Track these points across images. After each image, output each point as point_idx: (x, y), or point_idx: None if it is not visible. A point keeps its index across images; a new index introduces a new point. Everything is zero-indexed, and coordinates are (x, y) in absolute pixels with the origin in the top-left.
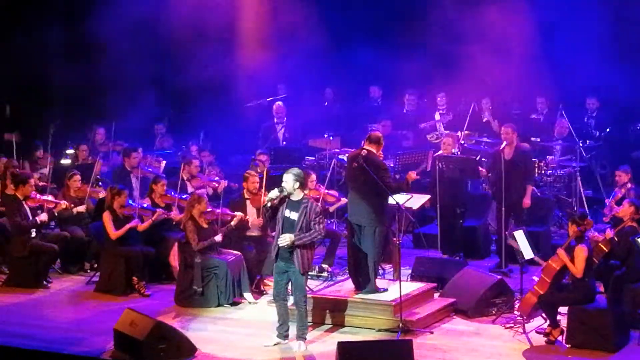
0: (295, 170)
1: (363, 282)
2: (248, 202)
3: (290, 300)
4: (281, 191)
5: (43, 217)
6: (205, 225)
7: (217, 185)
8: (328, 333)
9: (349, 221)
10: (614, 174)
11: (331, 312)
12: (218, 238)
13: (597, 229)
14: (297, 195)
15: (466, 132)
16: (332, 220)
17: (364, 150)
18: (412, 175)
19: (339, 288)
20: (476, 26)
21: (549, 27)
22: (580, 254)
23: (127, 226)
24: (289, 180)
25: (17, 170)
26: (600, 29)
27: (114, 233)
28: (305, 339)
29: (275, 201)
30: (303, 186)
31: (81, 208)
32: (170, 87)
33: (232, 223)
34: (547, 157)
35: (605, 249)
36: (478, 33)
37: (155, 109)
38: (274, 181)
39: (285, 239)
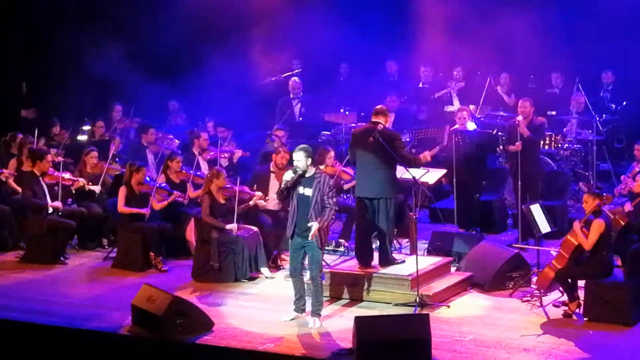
0: (305, 146)
1: (369, 258)
2: (273, 175)
3: (306, 275)
4: (295, 172)
5: (57, 204)
6: (222, 201)
7: (229, 155)
8: (345, 308)
9: (359, 197)
10: (630, 148)
11: (348, 286)
12: (230, 226)
13: (615, 203)
14: (309, 171)
15: (477, 105)
16: (348, 196)
17: (380, 125)
18: (427, 156)
19: (356, 262)
20: (492, 1)
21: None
22: (596, 227)
23: (136, 210)
24: (301, 159)
25: (34, 146)
26: (616, 2)
27: (121, 207)
28: (320, 315)
29: (290, 182)
30: (314, 161)
31: (95, 188)
32: (186, 62)
33: (251, 203)
34: (564, 130)
35: (622, 222)
36: (493, 8)
37: (170, 85)
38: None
39: (313, 229)
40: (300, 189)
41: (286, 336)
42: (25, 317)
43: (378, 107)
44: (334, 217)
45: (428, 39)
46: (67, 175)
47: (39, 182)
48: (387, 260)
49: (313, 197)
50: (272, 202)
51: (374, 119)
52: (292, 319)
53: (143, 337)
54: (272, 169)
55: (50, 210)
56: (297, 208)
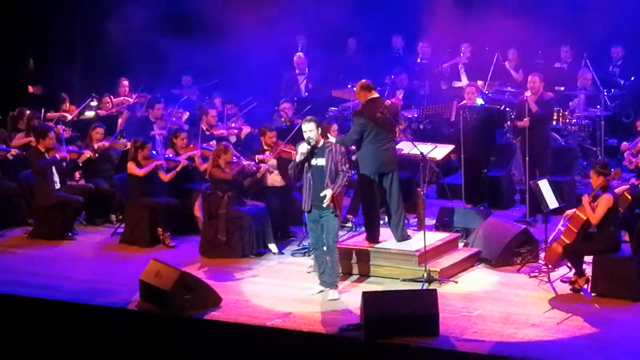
0: (313, 117)
1: (378, 234)
2: (267, 153)
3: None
4: (309, 143)
5: (63, 153)
6: (230, 176)
7: (238, 132)
8: (353, 283)
9: (376, 174)
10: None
11: (356, 262)
12: (271, 161)
13: (622, 178)
14: (319, 142)
15: (485, 81)
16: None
17: (387, 100)
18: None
19: (364, 238)
20: None
21: None
22: (604, 202)
23: (153, 163)
24: (313, 129)
25: (38, 123)
26: None
27: (140, 172)
28: (337, 286)
29: (305, 155)
30: (322, 131)
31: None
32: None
33: (258, 175)
34: (570, 104)
35: (630, 197)
36: None
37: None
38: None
39: (327, 196)
40: (313, 160)
41: (294, 312)
42: (34, 292)
43: (369, 83)
44: (347, 182)
45: (434, 14)
46: (72, 149)
47: (45, 158)
48: (405, 234)
49: (327, 166)
50: (274, 178)
51: (374, 95)
52: (319, 292)
53: (151, 313)
54: (265, 147)
55: (58, 186)
56: (312, 179)
